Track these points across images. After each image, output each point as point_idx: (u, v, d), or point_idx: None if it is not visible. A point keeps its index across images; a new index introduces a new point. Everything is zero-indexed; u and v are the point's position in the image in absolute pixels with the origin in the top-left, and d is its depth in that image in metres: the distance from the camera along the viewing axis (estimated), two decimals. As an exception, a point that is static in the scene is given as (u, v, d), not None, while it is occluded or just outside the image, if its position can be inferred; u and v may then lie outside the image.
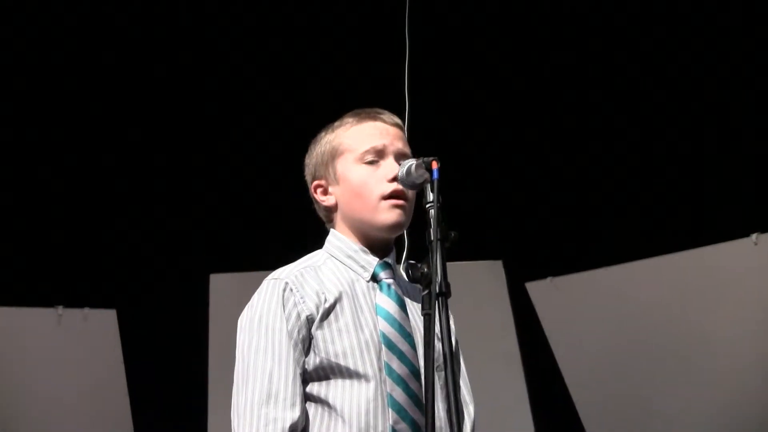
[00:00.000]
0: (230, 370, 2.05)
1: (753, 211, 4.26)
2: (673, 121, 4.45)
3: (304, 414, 1.99)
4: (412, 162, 2.03)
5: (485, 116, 4.68)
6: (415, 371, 2.04)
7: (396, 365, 2.02)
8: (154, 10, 4.39)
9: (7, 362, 4.39)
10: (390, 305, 2.09)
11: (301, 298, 2.04)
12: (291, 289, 2.05)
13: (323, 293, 2.06)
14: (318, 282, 2.08)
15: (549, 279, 4.70)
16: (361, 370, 2.00)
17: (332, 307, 2.05)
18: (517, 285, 4.76)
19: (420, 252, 1.96)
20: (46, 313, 4.48)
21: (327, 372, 2.01)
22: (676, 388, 4.40)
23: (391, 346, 2.04)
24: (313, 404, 2.02)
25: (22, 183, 4.44)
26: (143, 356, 4.46)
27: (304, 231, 2.28)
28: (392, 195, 2.10)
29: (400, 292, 2.12)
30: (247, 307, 2.09)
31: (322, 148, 2.21)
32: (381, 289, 2.11)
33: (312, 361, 2.02)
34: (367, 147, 2.14)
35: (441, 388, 1.99)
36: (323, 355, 2.01)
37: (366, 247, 2.14)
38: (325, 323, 2.03)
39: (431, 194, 1.95)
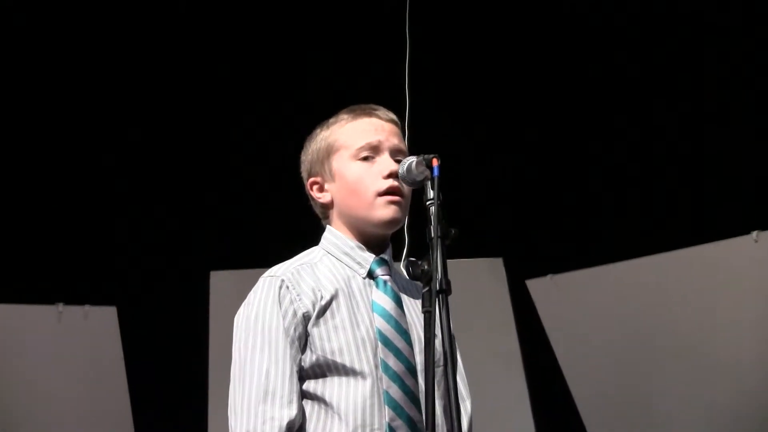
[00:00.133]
0: (230, 368, 2.05)
1: (753, 208, 4.26)
2: (674, 118, 4.45)
3: (301, 412, 1.99)
4: (412, 159, 2.03)
5: (486, 113, 4.68)
6: (411, 368, 2.04)
7: (392, 362, 2.02)
8: (154, 10, 4.39)
9: (8, 359, 4.39)
10: (386, 302, 2.09)
11: (298, 295, 2.04)
12: (287, 287, 2.05)
13: (319, 290, 2.05)
14: (314, 279, 2.08)
15: (549, 276, 4.70)
16: (357, 367, 2.00)
17: (328, 304, 2.04)
18: (518, 282, 4.76)
19: (420, 249, 1.96)
20: (47, 311, 4.48)
21: (323, 369, 2.01)
22: (677, 385, 4.40)
23: (387, 343, 2.04)
24: (309, 402, 2.02)
25: (23, 180, 4.44)
26: (144, 353, 4.46)
27: (305, 228, 2.28)
28: (388, 191, 2.10)
29: (396, 289, 2.12)
30: (243, 304, 2.09)
31: (318, 145, 2.21)
32: (377, 285, 2.11)
33: (308, 358, 2.02)
34: (362, 143, 2.14)
35: (437, 384, 1.98)
36: (319, 352, 2.01)
37: (362, 243, 2.14)
38: (321, 320, 2.03)
39: (432, 191, 1.95)
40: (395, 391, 2.01)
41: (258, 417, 1.95)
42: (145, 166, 4.59)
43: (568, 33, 4.55)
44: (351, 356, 2.01)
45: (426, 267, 1.90)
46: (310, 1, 4.47)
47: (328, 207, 2.20)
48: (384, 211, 2.11)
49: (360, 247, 2.14)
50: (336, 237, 2.16)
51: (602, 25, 4.47)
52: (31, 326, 4.45)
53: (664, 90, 4.48)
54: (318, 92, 4.32)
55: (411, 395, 2.02)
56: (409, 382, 2.02)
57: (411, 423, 2.00)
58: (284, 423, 1.95)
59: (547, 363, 4.63)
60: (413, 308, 2.14)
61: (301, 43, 4.52)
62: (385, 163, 2.13)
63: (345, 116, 2.21)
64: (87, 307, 4.53)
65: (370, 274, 2.12)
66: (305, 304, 2.03)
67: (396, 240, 2.24)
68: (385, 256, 2.16)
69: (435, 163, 1.96)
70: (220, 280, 4.58)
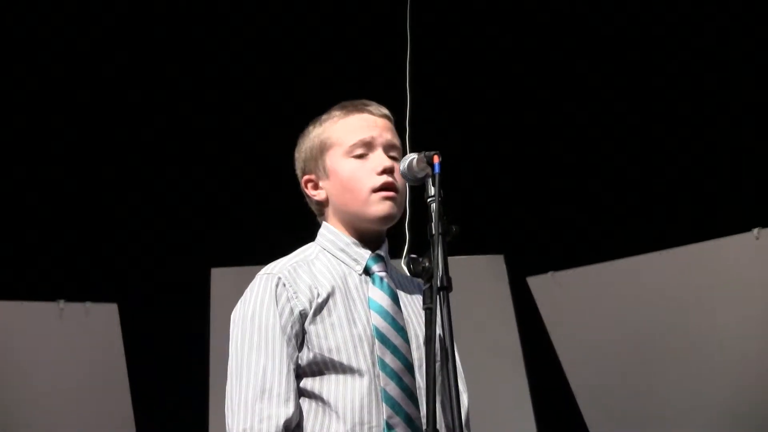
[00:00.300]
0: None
1: (754, 205, 4.26)
2: (675, 115, 4.45)
3: (298, 410, 1.99)
4: (413, 156, 2.02)
5: (487, 110, 4.67)
6: (408, 365, 2.04)
7: (389, 359, 2.02)
8: (154, 11, 4.39)
9: (9, 356, 4.40)
10: (383, 299, 2.08)
11: (294, 293, 2.03)
12: (284, 284, 2.04)
13: (316, 288, 2.05)
14: (311, 276, 2.07)
15: (550, 273, 4.69)
16: (354, 364, 2.00)
17: (325, 302, 2.04)
18: (519, 279, 4.76)
19: (421, 246, 1.96)
20: (48, 307, 4.48)
21: (321, 367, 2.01)
22: (678, 382, 4.41)
23: (384, 340, 2.03)
24: (307, 400, 2.01)
25: (24, 178, 4.44)
26: (145, 350, 4.46)
27: (306, 225, 2.28)
28: (382, 187, 2.10)
29: (392, 285, 2.12)
30: (240, 301, 2.08)
31: (311, 143, 2.20)
32: (374, 282, 2.10)
33: (305, 356, 2.01)
34: (355, 140, 2.14)
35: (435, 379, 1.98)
36: (317, 350, 2.01)
37: (358, 239, 2.14)
38: (318, 318, 2.02)
39: (433, 188, 1.95)
40: (393, 389, 2.00)
41: (255, 415, 1.95)
42: (146, 161, 4.58)
43: (569, 30, 4.55)
44: (348, 354, 2.00)
45: (427, 264, 1.90)
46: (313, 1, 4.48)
47: (323, 204, 2.19)
48: (379, 206, 2.10)
49: (356, 243, 2.13)
50: (332, 233, 2.16)
51: (604, 20, 4.46)
52: (33, 323, 4.45)
53: (665, 87, 4.48)
54: (319, 90, 4.31)
55: (408, 392, 2.02)
56: (406, 379, 2.02)
57: (409, 420, 2.00)
58: (281, 421, 1.95)
59: (548, 360, 4.63)
60: (410, 304, 2.14)
61: (301, 42, 4.52)
62: (378, 159, 2.12)
63: (337, 113, 2.20)
64: (88, 304, 4.53)
65: (367, 271, 2.12)
66: (302, 302, 2.03)
67: (397, 237, 2.24)
68: (381, 252, 2.15)
69: (436, 160, 1.96)
70: (221, 277, 4.58)
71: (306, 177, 2.21)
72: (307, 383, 2.02)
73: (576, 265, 4.63)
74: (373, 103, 2.22)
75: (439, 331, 1.87)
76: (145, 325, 4.47)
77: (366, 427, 1.98)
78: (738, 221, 4.27)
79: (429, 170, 1.97)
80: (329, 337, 2.01)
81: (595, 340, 4.59)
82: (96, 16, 4.34)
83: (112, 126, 4.52)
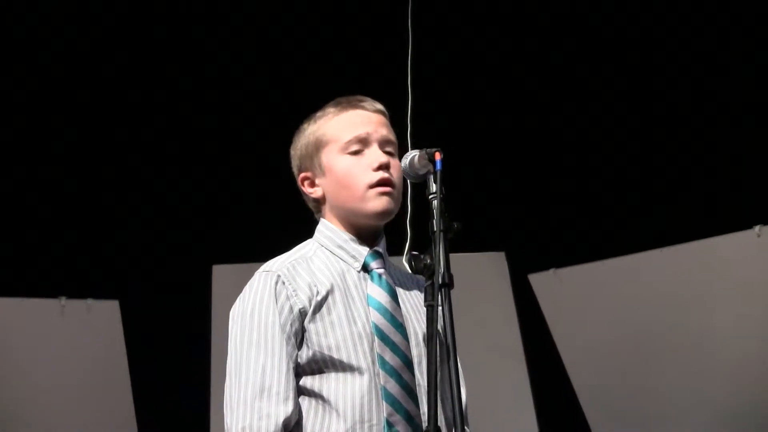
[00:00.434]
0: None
1: (756, 203, 4.26)
2: (676, 112, 4.45)
3: (297, 408, 1.98)
4: (415, 153, 2.02)
5: (488, 107, 4.67)
6: (407, 362, 2.03)
7: (389, 357, 2.01)
8: (155, 10, 4.39)
9: (11, 352, 4.40)
10: (381, 296, 2.08)
11: (294, 291, 2.03)
12: (283, 282, 2.03)
13: (315, 285, 2.04)
14: (310, 274, 2.06)
15: (552, 270, 4.70)
16: (354, 362, 1.99)
17: (324, 300, 2.03)
18: (520, 276, 4.77)
19: (423, 243, 1.96)
20: (49, 304, 4.48)
21: (320, 365, 2.00)
22: (679, 379, 4.41)
23: (383, 337, 2.03)
24: (307, 398, 2.01)
25: (25, 175, 4.44)
26: (146, 347, 4.46)
27: (307, 222, 2.27)
28: (379, 183, 2.09)
29: (391, 282, 2.11)
30: (238, 299, 2.08)
31: (306, 140, 2.19)
32: (372, 279, 2.10)
33: (305, 354, 2.01)
34: (350, 137, 2.13)
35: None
36: (316, 348, 2.00)
37: (356, 236, 2.13)
38: (318, 316, 2.02)
39: (434, 185, 1.95)
40: (393, 386, 2.00)
41: (254, 413, 1.95)
42: (147, 158, 4.59)
43: (569, 31, 4.55)
44: (348, 352, 2.00)
45: (428, 261, 1.90)
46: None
47: (320, 201, 2.18)
48: (376, 202, 2.09)
49: (354, 240, 2.13)
50: (329, 230, 2.15)
51: (606, 19, 4.46)
52: (34, 320, 4.46)
53: (666, 85, 4.48)
54: (319, 90, 4.30)
55: (408, 389, 2.01)
56: (406, 376, 2.02)
57: (409, 417, 1.99)
58: (280, 420, 1.94)
59: (549, 357, 4.64)
60: (408, 301, 2.14)
61: (301, 42, 4.52)
62: (374, 155, 2.11)
63: (331, 109, 2.19)
64: (89, 301, 4.53)
65: (365, 268, 2.11)
66: (301, 300, 2.02)
67: (398, 234, 2.24)
68: (380, 249, 2.14)
69: (438, 156, 1.96)
70: (222, 274, 4.58)
71: (302, 175, 2.20)
72: (307, 381, 2.01)
73: (577, 262, 4.64)
74: (368, 98, 2.21)
75: (440, 328, 1.88)
76: (146, 322, 4.47)
77: (366, 425, 1.97)
78: (739, 219, 4.27)
79: (430, 167, 1.97)
80: (329, 335, 2.01)
81: (597, 338, 4.59)
82: (96, 16, 4.34)
83: (112, 126, 4.52)
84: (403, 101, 3.29)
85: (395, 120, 2.25)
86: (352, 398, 1.98)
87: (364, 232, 2.14)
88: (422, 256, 1.93)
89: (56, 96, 4.44)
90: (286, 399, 1.96)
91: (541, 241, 4.71)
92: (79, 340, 4.50)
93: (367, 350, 2.01)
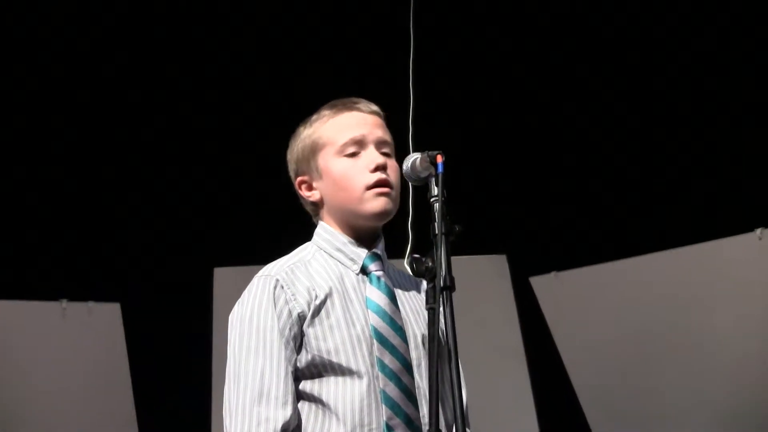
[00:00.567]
0: (230, 366, 2.05)
1: (757, 206, 4.25)
2: (678, 114, 4.45)
3: (297, 413, 1.98)
4: (416, 156, 2.03)
5: (490, 110, 4.67)
6: (407, 365, 2.03)
7: (388, 360, 2.01)
8: (155, 10, 4.40)
9: (12, 355, 4.40)
10: (380, 298, 2.07)
11: (293, 295, 2.03)
12: (282, 286, 2.03)
13: (314, 289, 2.04)
14: (308, 278, 2.06)
15: (553, 273, 4.69)
16: (353, 366, 1.99)
17: (323, 303, 2.03)
18: (521, 279, 4.76)
19: (424, 246, 1.96)
20: (51, 307, 4.48)
21: (319, 369, 2.01)
22: (680, 382, 4.40)
23: (382, 340, 2.03)
24: (306, 402, 2.01)
25: (27, 177, 4.44)
26: (147, 350, 4.46)
27: (308, 225, 2.27)
28: (376, 184, 2.09)
29: (390, 284, 2.11)
30: (237, 303, 2.08)
31: (302, 144, 2.19)
32: (371, 281, 2.10)
33: (304, 358, 2.01)
34: (346, 139, 2.12)
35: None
36: (315, 352, 2.00)
37: (354, 238, 2.13)
38: (317, 320, 2.02)
39: (436, 188, 1.95)
40: (392, 390, 2.00)
41: (253, 418, 1.95)
42: (149, 161, 4.58)
43: (570, 32, 4.55)
44: (347, 355, 2.00)
45: (430, 264, 1.91)
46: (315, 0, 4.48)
47: (318, 205, 2.18)
48: (374, 203, 2.09)
49: (352, 242, 2.13)
50: (328, 233, 2.15)
51: (607, 19, 4.46)
52: (35, 322, 4.45)
53: (667, 86, 4.48)
54: (319, 90, 4.30)
55: (408, 393, 2.01)
56: (405, 379, 2.02)
57: (408, 420, 1.99)
58: (279, 424, 1.94)
59: (550, 359, 4.63)
60: (408, 303, 2.14)
61: (302, 42, 4.52)
62: (371, 156, 2.11)
63: (326, 112, 2.19)
64: (91, 304, 4.53)
65: (364, 270, 2.11)
66: (300, 304, 2.02)
67: (400, 237, 2.24)
68: (378, 251, 2.14)
69: (439, 159, 1.96)
70: (223, 277, 4.58)
71: (299, 178, 2.20)
72: (306, 386, 2.01)
73: (579, 265, 4.63)
74: (363, 100, 2.21)
75: (441, 330, 1.87)
76: (147, 324, 4.47)
77: (366, 429, 1.97)
78: (741, 222, 4.26)
79: (432, 170, 1.98)
80: (327, 339, 2.01)
81: (598, 340, 4.59)
82: (96, 16, 4.35)
83: (112, 126, 4.52)
84: (405, 105, 3.29)
85: (397, 121, 2.25)
86: (351, 402, 1.98)
87: (362, 234, 2.14)
88: (424, 259, 1.93)
89: (56, 96, 4.44)
90: (285, 403, 1.96)
91: (543, 244, 4.71)
92: (81, 342, 4.50)
93: (366, 354, 2.01)
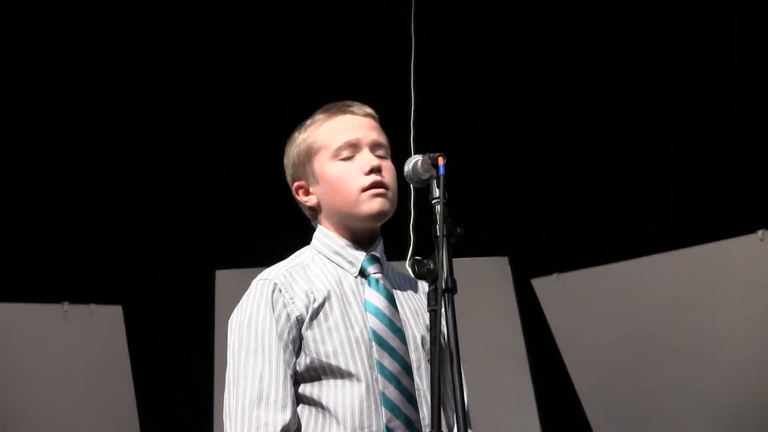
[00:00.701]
0: (232, 368, 2.05)
1: (759, 207, 4.25)
2: (679, 116, 4.45)
3: (296, 416, 1.99)
4: (418, 158, 2.03)
5: (491, 111, 4.67)
6: (406, 367, 2.03)
7: (387, 362, 2.02)
8: (157, 12, 4.39)
9: (14, 358, 4.40)
10: (379, 300, 2.08)
11: (291, 298, 2.03)
12: (280, 290, 2.04)
13: (312, 293, 2.05)
14: (307, 281, 2.07)
15: (555, 275, 4.69)
16: (352, 369, 2.00)
17: (321, 307, 2.04)
18: (523, 281, 4.76)
19: (426, 248, 1.96)
20: (53, 309, 4.48)
21: (318, 372, 2.01)
22: (682, 384, 4.40)
23: (381, 342, 2.03)
24: (306, 406, 2.01)
25: (29, 179, 4.44)
26: (149, 352, 4.46)
27: (310, 227, 2.27)
28: (372, 185, 2.09)
29: (388, 286, 2.12)
30: (236, 308, 2.09)
31: (297, 149, 2.20)
32: (369, 284, 2.10)
33: (303, 361, 2.01)
34: (341, 143, 2.13)
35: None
36: (314, 355, 2.01)
37: (352, 241, 2.14)
38: (315, 323, 2.02)
39: (437, 190, 1.95)
40: (392, 392, 2.00)
41: (252, 422, 1.95)
42: (150, 163, 4.59)
43: (574, 30, 4.55)
44: (346, 358, 2.00)
45: (432, 266, 1.91)
46: (315, 0, 4.47)
47: (316, 209, 2.19)
48: (370, 204, 2.10)
49: (350, 245, 2.13)
50: (326, 236, 2.15)
51: (608, 20, 4.47)
52: (37, 325, 4.46)
53: (669, 88, 4.47)
54: (319, 90, 4.31)
55: (407, 395, 2.01)
56: (405, 381, 2.02)
57: (408, 423, 2.00)
58: (278, 428, 1.95)
59: (552, 361, 4.63)
60: (407, 305, 2.14)
61: (302, 42, 4.52)
62: (365, 159, 2.12)
63: (320, 116, 2.20)
64: (93, 306, 4.53)
65: (362, 273, 2.12)
66: (298, 308, 2.03)
67: (401, 239, 2.24)
68: (376, 253, 2.15)
69: (441, 161, 1.96)
70: (225, 279, 4.58)
71: (296, 184, 2.21)
72: (306, 389, 2.02)
73: (580, 267, 4.63)
74: (356, 103, 2.21)
75: (443, 332, 1.87)
76: (149, 327, 4.47)
77: (366, 431, 1.97)
78: (742, 223, 4.26)
79: (434, 172, 1.98)
80: (326, 342, 2.01)
81: (599, 342, 4.59)
82: (96, 16, 4.35)
83: (117, 128, 4.52)
84: (407, 106, 3.30)
85: (398, 123, 2.25)
86: (351, 405, 1.98)
87: (360, 236, 2.14)
88: (425, 261, 1.93)
89: (56, 97, 4.44)
90: (284, 407, 1.97)
91: (544, 246, 4.71)
92: (83, 345, 4.50)
93: (365, 356, 2.01)
